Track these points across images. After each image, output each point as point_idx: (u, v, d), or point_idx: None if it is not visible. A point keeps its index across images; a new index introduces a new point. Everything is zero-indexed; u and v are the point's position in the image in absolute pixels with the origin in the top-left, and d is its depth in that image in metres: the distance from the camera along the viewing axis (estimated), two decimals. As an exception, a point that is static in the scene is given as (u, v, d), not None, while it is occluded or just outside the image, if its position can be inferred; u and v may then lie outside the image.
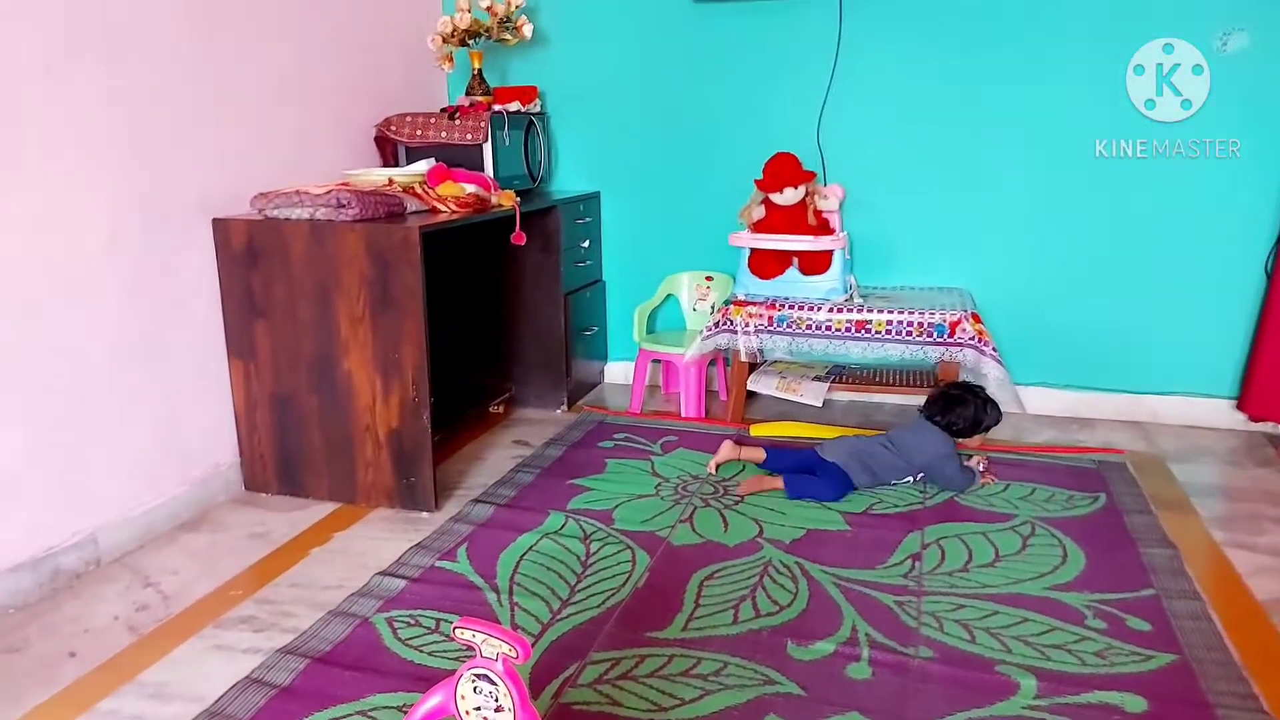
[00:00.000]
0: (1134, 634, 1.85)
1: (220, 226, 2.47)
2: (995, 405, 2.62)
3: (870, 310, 2.95)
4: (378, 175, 2.61)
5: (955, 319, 2.86)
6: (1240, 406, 3.05)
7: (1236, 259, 2.99)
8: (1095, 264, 3.13)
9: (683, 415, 3.29)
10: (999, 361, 2.84)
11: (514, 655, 1.19)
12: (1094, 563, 2.15)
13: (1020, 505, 2.47)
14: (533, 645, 1.83)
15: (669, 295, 3.58)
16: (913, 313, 2.91)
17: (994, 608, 1.96)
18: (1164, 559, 2.16)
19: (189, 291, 2.45)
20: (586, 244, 3.45)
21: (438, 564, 2.17)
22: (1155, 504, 2.47)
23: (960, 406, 2.57)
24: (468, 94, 3.20)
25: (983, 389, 2.64)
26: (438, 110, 3.10)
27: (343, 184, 2.53)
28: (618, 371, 3.75)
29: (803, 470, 2.59)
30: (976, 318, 2.88)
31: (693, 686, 1.70)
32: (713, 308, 3.37)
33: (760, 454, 2.73)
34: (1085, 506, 2.46)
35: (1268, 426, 3.05)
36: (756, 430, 3.07)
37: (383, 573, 2.13)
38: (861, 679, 1.71)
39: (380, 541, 2.32)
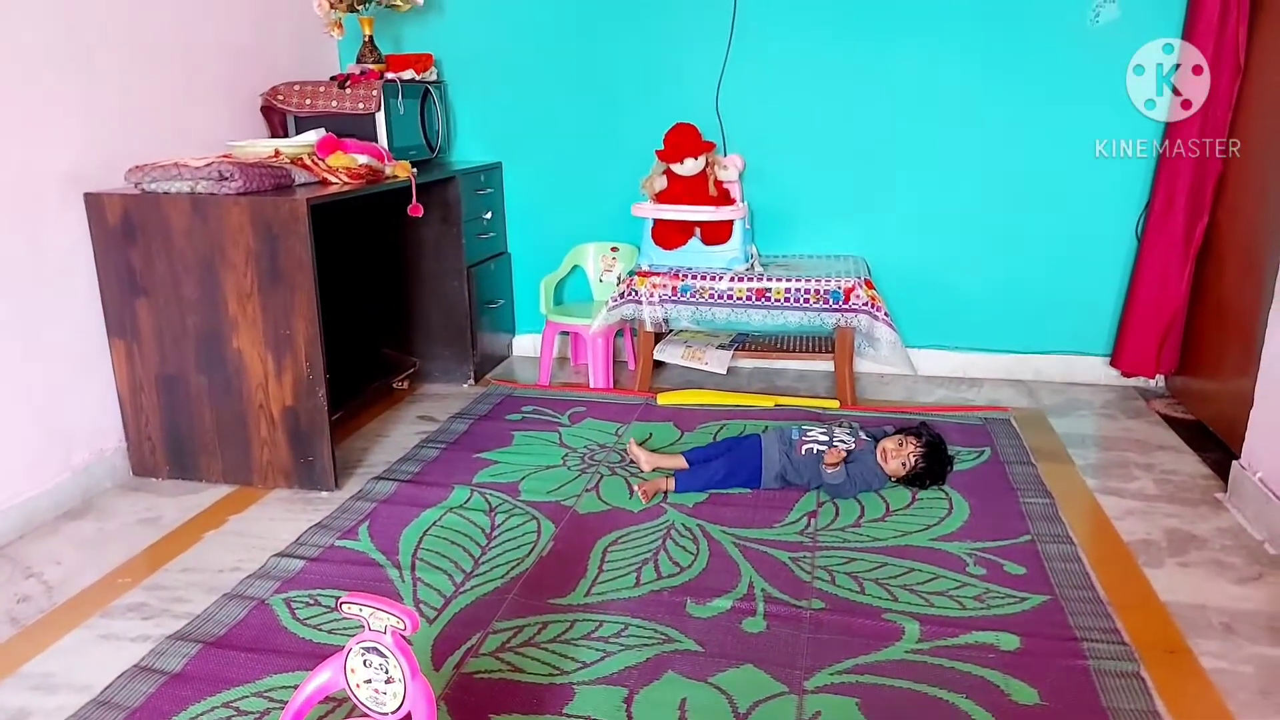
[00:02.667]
0: (1010, 578, 1.97)
1: (93, 201, 2.35)
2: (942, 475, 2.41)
3: (770, 279, 3.01)
4: (263, 146, 2.52)
5: (850, 286, 2.95)
6: (1114, 363, 3.24)
7: (1110, 225, 3.16)
8: (982, 232, 3.26)
9: (591, 386, 3.31)
10: (891, 325, 2.94)
11: (402, 627, 1.19)
12: (977, 513, 2.27)
13: (911, 462, 2.58)
14: (435, 618, 1.83)
15: (575, 266, 3.58)
16: (810, 280, 2.98)
17: (883, 560, 2.05)
18: (1041, 507, 2.29)
19: (61, 270, 2.33)
20: (489, 215, 3.41)
21: (337, 543, 2.14)
22: (1036, 456, 2.62)
23: (933, 464, 2.37)
24: (359, 62, 3.11)
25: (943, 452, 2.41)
26: (327, 79, 3.01)
27: (225, 156, 2.43)
28: (526, 344, 3.73)
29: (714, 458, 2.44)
30: (870, 284, 2.97)
31: (594, 649, 1.73)
32: (619, 278, 3.38)
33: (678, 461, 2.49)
34: (971, 461, 2.58)
35: (1138, 381, 3.26)
36: (664, 399, 3.11)
37: (280, 554, 2.09)
38: (756, 632, 1.77)
39: (278, 523, 2.27)
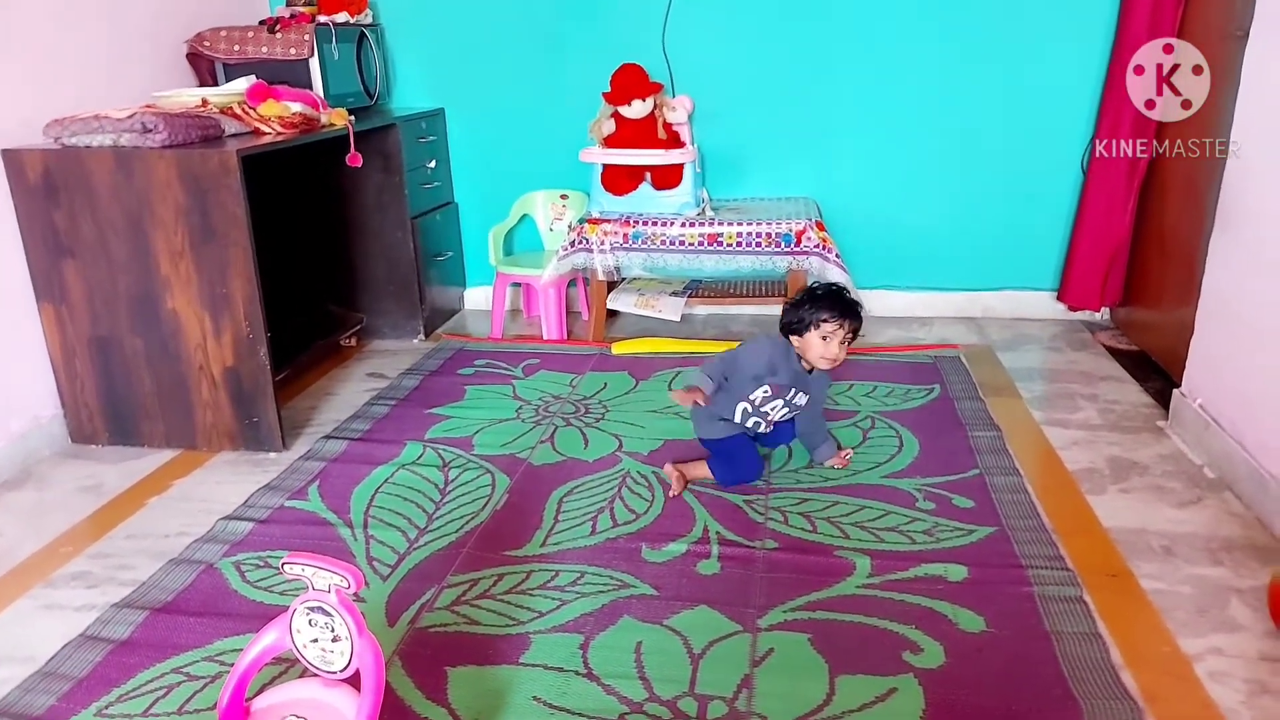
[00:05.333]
0: (959, 511, 2.00)
1: (12, 158, 2.24)
2: (826, 303, 2.02)
3: (721, 223, 2.99)
4: (190, 96, 2.41)
5: (801, 228, 2.93)
6: (1060, 297, 3.28)
7: (1056, 160, 3.17)
8: (931, 170, 3.26)
9: (544, 338, 3.27)
10: (842, 267, 2.94)
11: (346, 585, 1.17)
12: (927, 449, 2.30)
13: (863, 401, 2.60)
14: (389, 575, 1.81)
15: (524, 215, 3.51)
16: (761, 224, 2.96)
17: (835, 498, 2.07)
18: (989, 440, 2.33)
19: (-20, 232, 2.23)
20: (433, 164, 3.31)
21: (287, 504, 2.11)
22: (984, 391, 2.65)
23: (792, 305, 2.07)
24: (289, 4, 2.98)
25: (836, 290, 2.06)
26: (256, 23, 2.88)
27: (148, 106, 2.32)
28: (478, 297, 3.67)
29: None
30: (821, 226, 2.96)
31: (550, 598, 1.73)
32: (569, 226, 3.33)
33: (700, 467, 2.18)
34: (921, 398, 2.61)
35: (1084, 314, 3.31)
36: (618, 348, 3.09)
37: (228, 517, 2.05)
38: (711, 574, 1.79)
39: (224, 486, 2.23)
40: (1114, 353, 2.99)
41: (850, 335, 2.05)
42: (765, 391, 2.08)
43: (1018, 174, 3.21)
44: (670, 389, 2.11)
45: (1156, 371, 2.78)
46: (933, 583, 1.74)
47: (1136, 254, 3.08)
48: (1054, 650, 1.54)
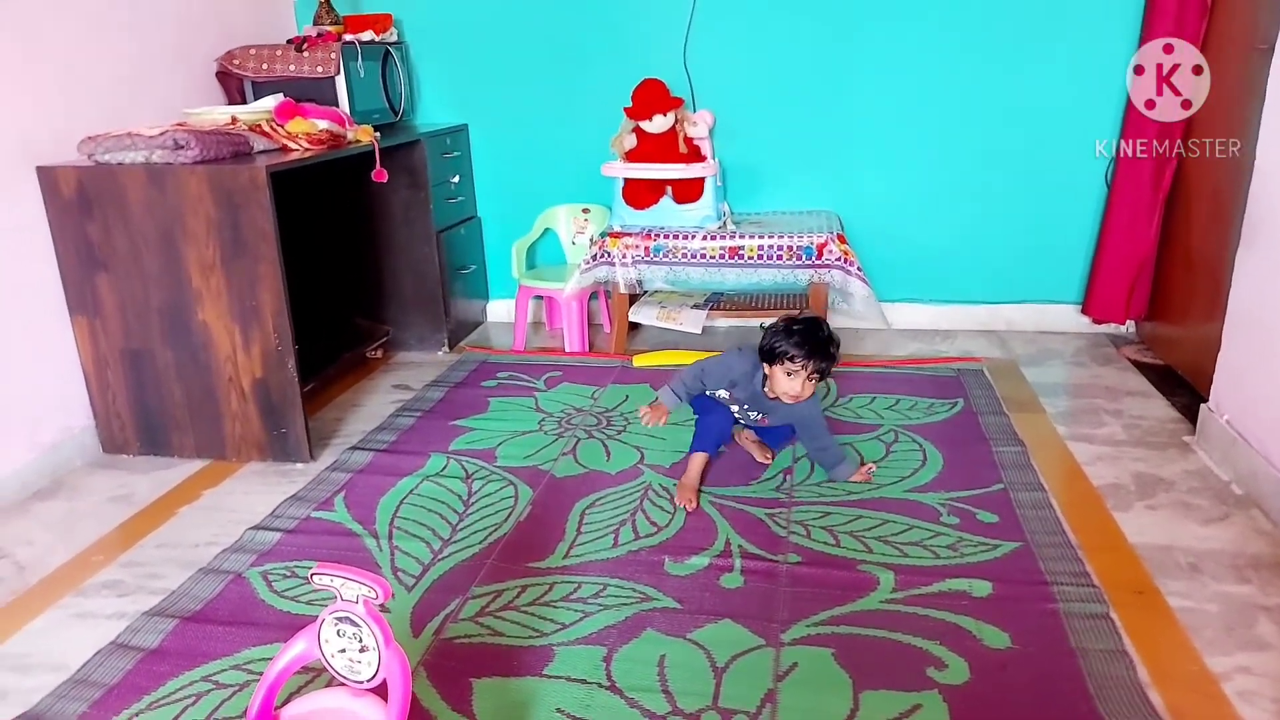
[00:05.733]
0: (983, 526, 1.99)
1: (46, 175, 2.29)
2: (795, 340, 2.02)
3: (743, 236, 3.00)
4: (220, 113, 2.46)
5: (822, 241, 2.94)
6: (1085, 311, 3.26)
7: (1081, 174, 3.16)
8: (953, 183, 3.25)
9: (567, 350, 3.29)
10: (864, 280, 2.94)
11: (374, 596, 1.19)
12: (950, 463, 2.29)
13: (886, 415, 2.60)
14: (414, 586, 1.83)
15: (547, 229, 3.54)
16: (783, 237, 2.97)
17: (858, 512, 2.07)
18: (1013, 455, 2.32)
19: (17, 246, 2.27)
20: (457, 179, 3.35)
21: (314, 514, 2.13)
22: (1008, 405, 2.64)
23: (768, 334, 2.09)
24: (316, 24, 3.03)
25: (813, 327, 2.06)
26: (284, 42, 2.93)
27: (179, 124, 2.37)
28: (501, 310, 3.70)
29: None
30: (842, 239, 2.97)
31: (573, 610, 1.74)
32: (591, 240, 3.35)
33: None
34: (944, 412, 2.60)
35: (1109, 328, 3.28)
36: (640, 360, 3.10)
37: (256, 527, 2.08)
38: (734, 588, 1.79)
39: (253, 496, 2.26)
40: (1139, 367, 2.97)
41: (816, 376, 2.05)
42: (725, 395, 2.23)
43: (1041, 186, 3.20)
44: (639, 410, 2.24)
45: (1183, 386, 2.75)
46: (957, 598, 1.73)
47: (1162, 267, 3.05)
48: (1080, 668, 1.52)
